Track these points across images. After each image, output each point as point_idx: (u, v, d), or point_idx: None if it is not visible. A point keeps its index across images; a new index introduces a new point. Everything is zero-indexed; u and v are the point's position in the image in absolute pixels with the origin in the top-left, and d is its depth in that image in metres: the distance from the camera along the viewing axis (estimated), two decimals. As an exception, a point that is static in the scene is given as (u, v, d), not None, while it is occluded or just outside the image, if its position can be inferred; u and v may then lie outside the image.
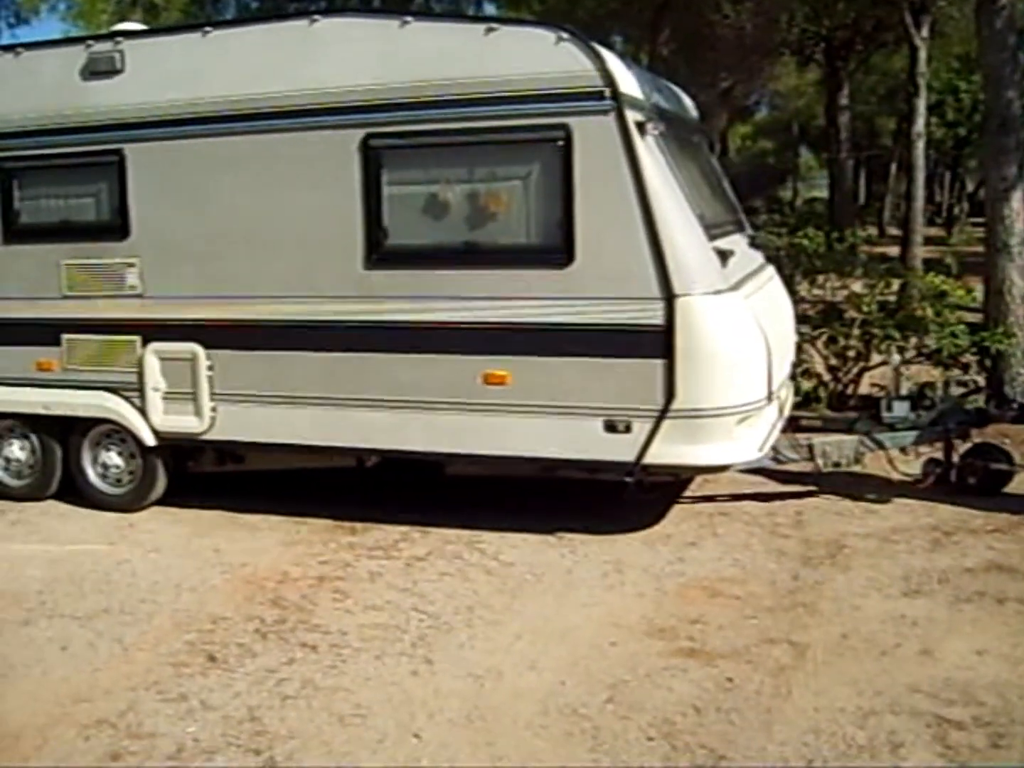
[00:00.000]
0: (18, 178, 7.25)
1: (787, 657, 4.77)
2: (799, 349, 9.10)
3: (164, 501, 7.23)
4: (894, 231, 28.55)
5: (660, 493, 6.84)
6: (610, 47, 6.61)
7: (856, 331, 9.10)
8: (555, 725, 4.24)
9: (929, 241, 18.42)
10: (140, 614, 5.48)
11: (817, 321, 9.28)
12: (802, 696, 4.41)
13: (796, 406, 8.71)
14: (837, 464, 6.96)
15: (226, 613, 5.45)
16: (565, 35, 5.90)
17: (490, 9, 24.24)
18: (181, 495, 7.24)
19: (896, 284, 9.78)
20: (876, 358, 9.08)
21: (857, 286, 9.64)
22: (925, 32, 15.93)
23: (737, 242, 6.95)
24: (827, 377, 9.25)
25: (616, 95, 5.83)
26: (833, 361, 9.26)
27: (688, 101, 8.02)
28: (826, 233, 10.55)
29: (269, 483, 7.47)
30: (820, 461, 6.92)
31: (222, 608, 5.52)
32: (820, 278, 9.72)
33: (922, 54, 15.69)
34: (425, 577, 5.85)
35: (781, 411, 6.87)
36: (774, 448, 6.67)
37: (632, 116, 5.89)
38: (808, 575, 5.74)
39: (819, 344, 9.21)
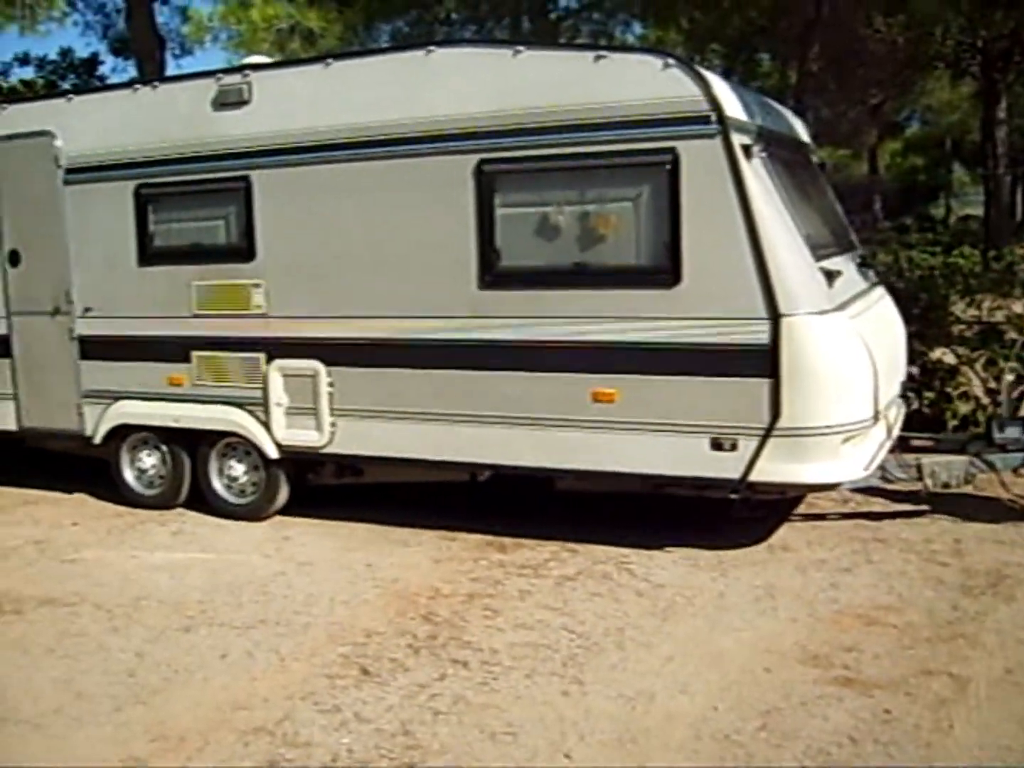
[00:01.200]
0: (153, 204, 7.59)
1: (947, 690, 4.63)
2: (956, 372, 8.87)
3: (316, 514, 7.43)
4: (1054, 249, 27.51)
5: (767, 510, 6.81)
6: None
7: (1017, 353, 8.79)
8: (707, 750, 4.19)
9: (1093, 260, 17.67)
10: (295, 625, 5.62)
11: (975, 343, 9.01)
12: (964, 732, 4.27)
13: (954, 429, 8.50)
14: (946, 484, 6.92)
15: (379, 627, 5.54)
16: (672, 61, 6.00)
17: (637, 28, 24.24)
18: (332, 508, 7.44)
19: (1059, 305, 9.42)
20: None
21: (1017, 307, 9.33)
22: (1090, 42, 15.34)
23: (845, 263, 6.96)
24: (986, 400, 8.95)
25: (722, 119, 5.89)
26: (992, 384, 8.95)
27: (798, 122, 8.00)
28: (982, 251, 10.24)
29: (417, 497, 7.58)
30: (929, 481, 6.89)
31: (375, 622, 5.62)
32: (977, 298, 9.45)
33: (1087, 65, 15.12)
34: (575, 597, 5.86)
35: (889, 431, 6.83)
36: (882, 467, 6.67)
37: (738, 139, 5.95)
38: (968, 605, 5.56)
39: (977, 366, 8.93)
